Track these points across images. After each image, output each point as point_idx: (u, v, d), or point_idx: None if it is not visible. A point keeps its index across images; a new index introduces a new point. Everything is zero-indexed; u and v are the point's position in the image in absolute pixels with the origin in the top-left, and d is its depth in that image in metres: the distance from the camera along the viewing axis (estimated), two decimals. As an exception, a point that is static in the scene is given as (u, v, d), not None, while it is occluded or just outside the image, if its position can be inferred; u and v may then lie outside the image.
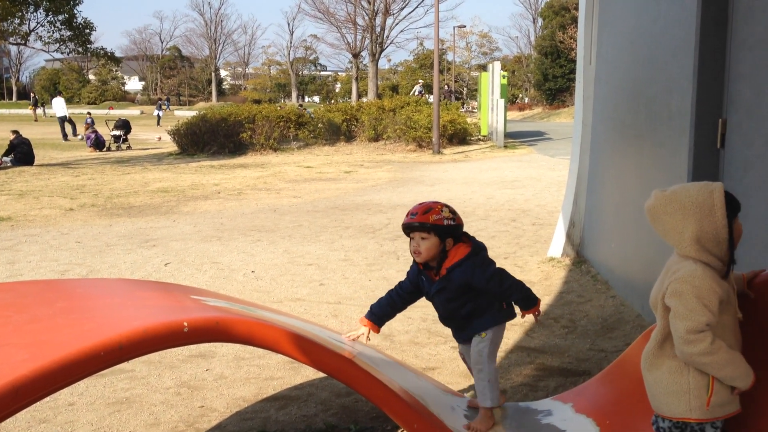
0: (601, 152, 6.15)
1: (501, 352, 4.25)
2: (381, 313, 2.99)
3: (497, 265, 2.86)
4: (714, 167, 3.80)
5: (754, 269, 2.35)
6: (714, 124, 3.78)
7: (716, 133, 3.77)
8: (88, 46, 25.73)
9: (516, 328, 4.67)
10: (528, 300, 2.85)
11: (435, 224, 2.77)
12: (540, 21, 54.14)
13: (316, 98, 75.15)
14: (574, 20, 33.31)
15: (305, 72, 78.26)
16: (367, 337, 2.95)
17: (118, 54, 30.43)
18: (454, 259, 2.80)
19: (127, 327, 2.13)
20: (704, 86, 3.78)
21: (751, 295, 2.28)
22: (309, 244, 7.53)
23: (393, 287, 3.05)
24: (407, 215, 2.84)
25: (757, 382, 2.13)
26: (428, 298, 2.95)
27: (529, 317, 2.92)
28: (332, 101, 49.30)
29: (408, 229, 2.84)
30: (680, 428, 2.13)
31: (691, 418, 2.09)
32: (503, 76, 22.42)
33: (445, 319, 3.00)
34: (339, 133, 21.57)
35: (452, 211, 2.83)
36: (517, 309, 2.95)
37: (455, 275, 2.78)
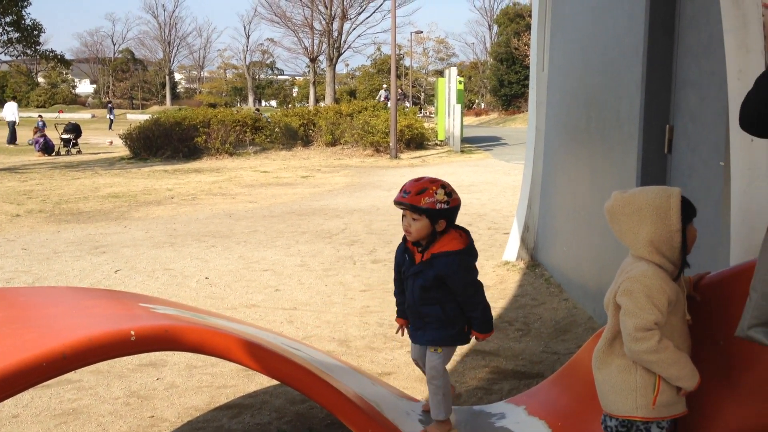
0: (554, 157, 6.24)
1: (456, 356, 4.27)
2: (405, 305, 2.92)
3: (476, 272, 2.82)
4: (662, 172, 3.89)
5: (700, 272, 2.40)
6: (661, 129, 3.87)
7: (664, 138, 3.86)
8: (37, 48, 25.06)
9: (471, 331, 4.70)
10: (486, 324, 2.78)
11: (427, 208, 2.65)
12: (495, 28, 54.89)
13: (273, 102, 74.63)
14: (529, 27, 33.84)
15: (262, 76, 77.68)
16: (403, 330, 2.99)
17: (68, 56, 29.77)
18: (444, 247, 2.70)
19: (72, 336, 2.07)
20: (652, 93, 3.87)
21: (697, 298, 2.32)
22: (265, 250, 7.45)
23: (395, 288, 2.98)
24: (401, 191, 2.72)
25: (705, 384, 2.17)
26: (403, 277, 2.85)
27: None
28: (289, 106, 49.03)
29: (399, 206, 2.72)
30: (626, 427, 2.16)
31: (637, 416, 2.12)
32: (460, 82, 22.62)
33: (410, 308, 2.86)
34: (296, 137, 21.44)
35: (448, 192, 2.69)
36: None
37: (438, 263, 2.68)
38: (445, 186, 2.71)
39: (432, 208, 2.65)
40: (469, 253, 2.75)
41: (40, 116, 26.10)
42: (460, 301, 2.76)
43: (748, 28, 2.37)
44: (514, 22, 46.34)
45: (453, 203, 2.71)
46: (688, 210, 2.13)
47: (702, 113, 3.43)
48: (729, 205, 2.89)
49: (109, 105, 41.28)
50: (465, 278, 2.72)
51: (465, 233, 2.81)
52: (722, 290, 2.31)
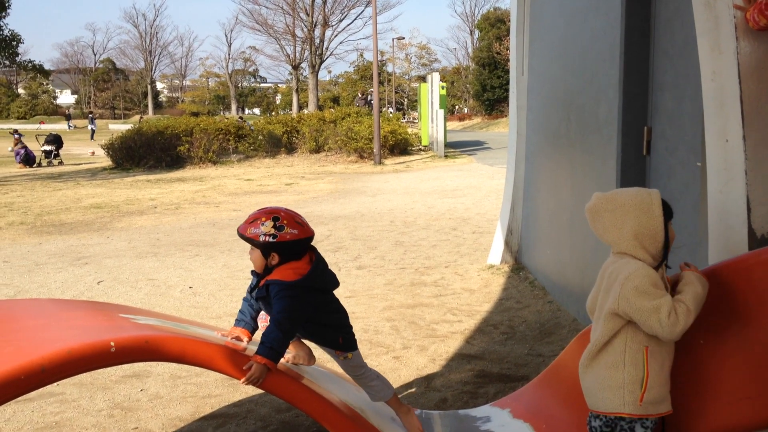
0: (535, 161, 6.28)
1: (441, 360, 4.28)
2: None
3: (299, 305, 2.49)
4: (641, 174, 3.92)
5: (678, 273, 2.42)
6: (639, 131, 3.91)
7: (642, 140, 3.90)
8: (15, 58, 24.88)
9: (457, 336, 4.71)
10: (270, 351, 2.40)
11: (250, 238, 2.49)
12: (477, 33, 55.21)
13: (257, 110, 74.56)
14: (510, 32, 34.08)
15: (245, 84, 77.62)
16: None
17: (48, 67, 29.65)
18: (276, 276, 2.50)
19: (50, 349, 2.05)
20: (629, 95, 3.91)
21: (677, 297, 2.35)
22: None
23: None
24: None
25: (688, 384, 2.20)
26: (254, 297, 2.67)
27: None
28: (273, 113, 48.98)
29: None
30: (611, 427, 2.17)
31: (624, 412, 2.13)
32: (442, 87, 22.70)
33: None
34: (280, 145, 21.40)
35: (279, 226, 2.46)
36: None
37: (271, 290, 2.50)
38: (278, 218, 2.48)
39: (255, 240, 2.46)
40: (299, 286, 2.48)
41: (16, 130, 25.77)
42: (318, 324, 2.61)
43: (721, 30, 2.40)
44: (495, 27, 46.65)
45: (282, 238, 2.46)
46: (666, 210, 2.16)
47: (678, 115, 3.47)
48: (707, 205, 2.93)
49: (90, 115, 40.88)
50: (277, 305, 2.46)
51: (312, 260, 2.57)
52: (701, 289, 2.33)
